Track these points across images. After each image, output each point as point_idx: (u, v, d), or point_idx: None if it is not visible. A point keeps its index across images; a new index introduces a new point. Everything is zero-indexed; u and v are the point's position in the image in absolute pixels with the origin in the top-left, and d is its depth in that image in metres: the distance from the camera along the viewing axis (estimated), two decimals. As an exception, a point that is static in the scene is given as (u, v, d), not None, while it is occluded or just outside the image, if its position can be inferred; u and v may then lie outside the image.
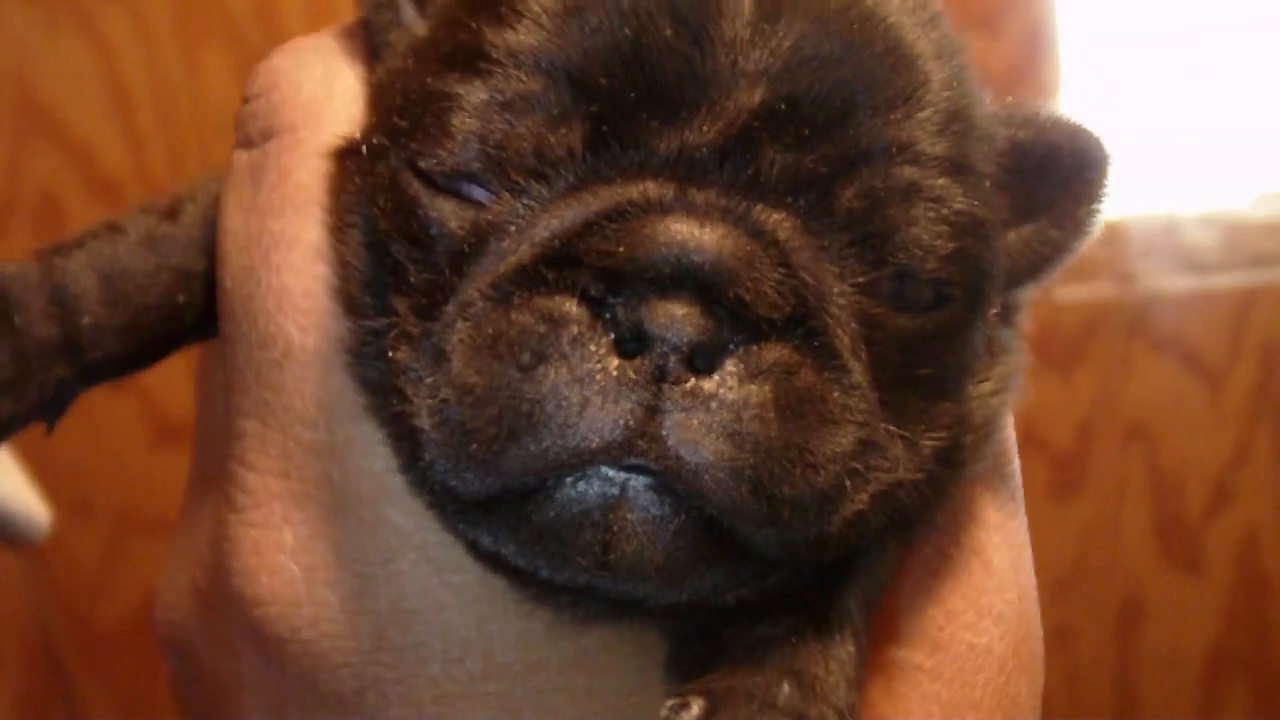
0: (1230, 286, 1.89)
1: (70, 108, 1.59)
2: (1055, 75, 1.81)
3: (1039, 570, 1.92)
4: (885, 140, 0.48)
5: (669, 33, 0.46)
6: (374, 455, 0.52)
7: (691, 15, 0.46)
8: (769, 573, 0.48)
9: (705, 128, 0.46)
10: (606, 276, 0.44)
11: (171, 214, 0.62)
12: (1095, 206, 0.56)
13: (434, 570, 0.52)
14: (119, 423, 1.74)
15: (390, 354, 0.49)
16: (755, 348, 0.45)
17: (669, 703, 0.47)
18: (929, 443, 0.51)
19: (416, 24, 0.54)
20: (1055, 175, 0.56)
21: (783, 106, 0.46)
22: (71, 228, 1.60)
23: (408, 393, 0.48)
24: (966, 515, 0.59)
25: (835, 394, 0.46)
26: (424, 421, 0.47)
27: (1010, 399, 0.58)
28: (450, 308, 0.47)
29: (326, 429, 0.53)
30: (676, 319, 0.43)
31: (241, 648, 0.55)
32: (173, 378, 1.82)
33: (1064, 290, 1.85)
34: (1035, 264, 0.57)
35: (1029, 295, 0.59)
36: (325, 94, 0.57)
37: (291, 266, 0.55)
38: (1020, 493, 0.63)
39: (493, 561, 0.51)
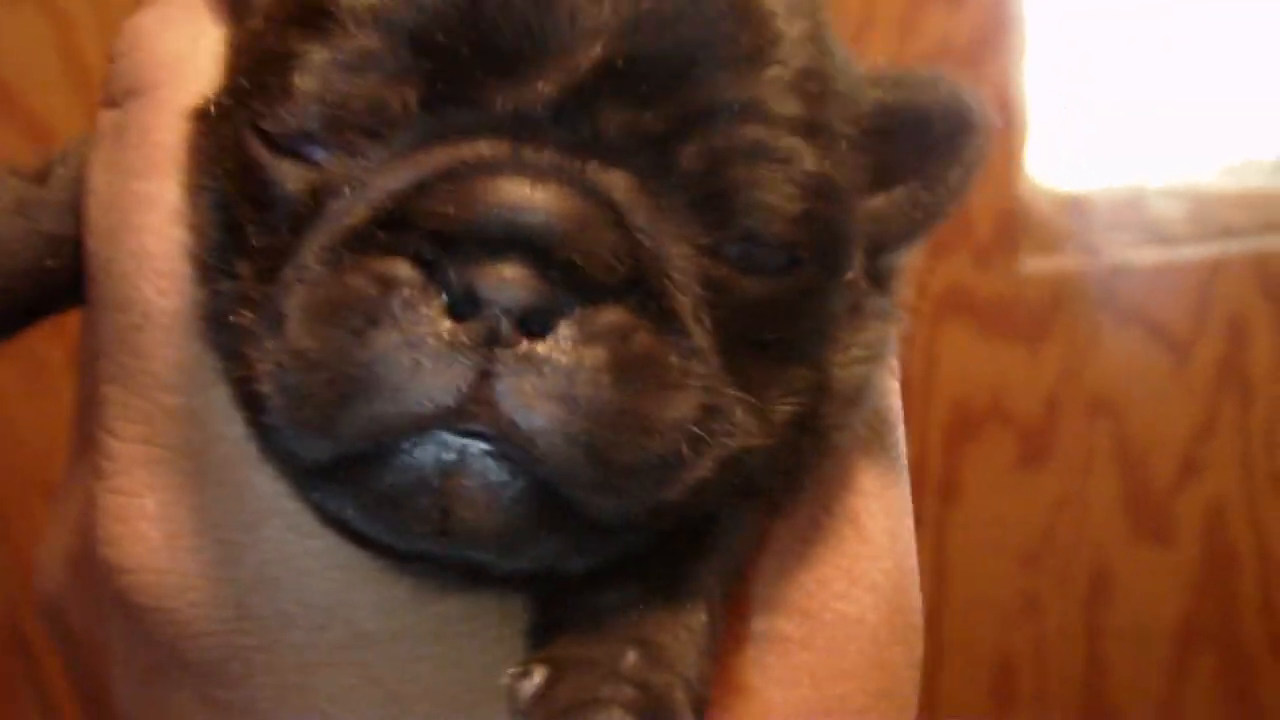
0: (1196, 258, 1.89)
1: (27, 82, 1.58)
2: (1020, 47, 1.81)
3: (1008, 541, 1.94)
4: (729, 98, 0.47)
5: None
6: (235, 420, 0.52)
7: None
8: (612, 540, 0.48)
9: (542, 85, 0.46)
10: (439, 238, 0.44)
11: (41, 177, 0.61)
12: (967, 170, 0.55)
13: (297, 537, 0.52)
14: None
15: (232, 319, 0.48)
16: (589, 311, 0.44)
17: (511, 671, 0.46)
18: (783, 408, 0.50)
19: None
20: (927, 138, 0.55)
21: (621, 64, 0.46)
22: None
23: (250, 357, 0.47)
24: (841, 483, 0.58)
25: (673, 358, 0.45)
26: (264, 386, 0.46)
27: (884, 366, 0.58)
28: (287, 271, 0.46)
29: (187, 394, 0.53)
30: (507, 281, 0.43)
31: (109, 616, 0.55)
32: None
33: (1030, 263, 1.86)
34: (906, 228, 0.56)
35: (902, 260, 0.59)
36: (189, 52, 0.56)
37: (151, 228, 0.54)
38: (903, 462, 0.62)
39: (339, 527, 0.51)
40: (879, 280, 0.56)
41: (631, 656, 0.47)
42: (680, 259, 0.46)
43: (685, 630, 0.50)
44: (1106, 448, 1.93)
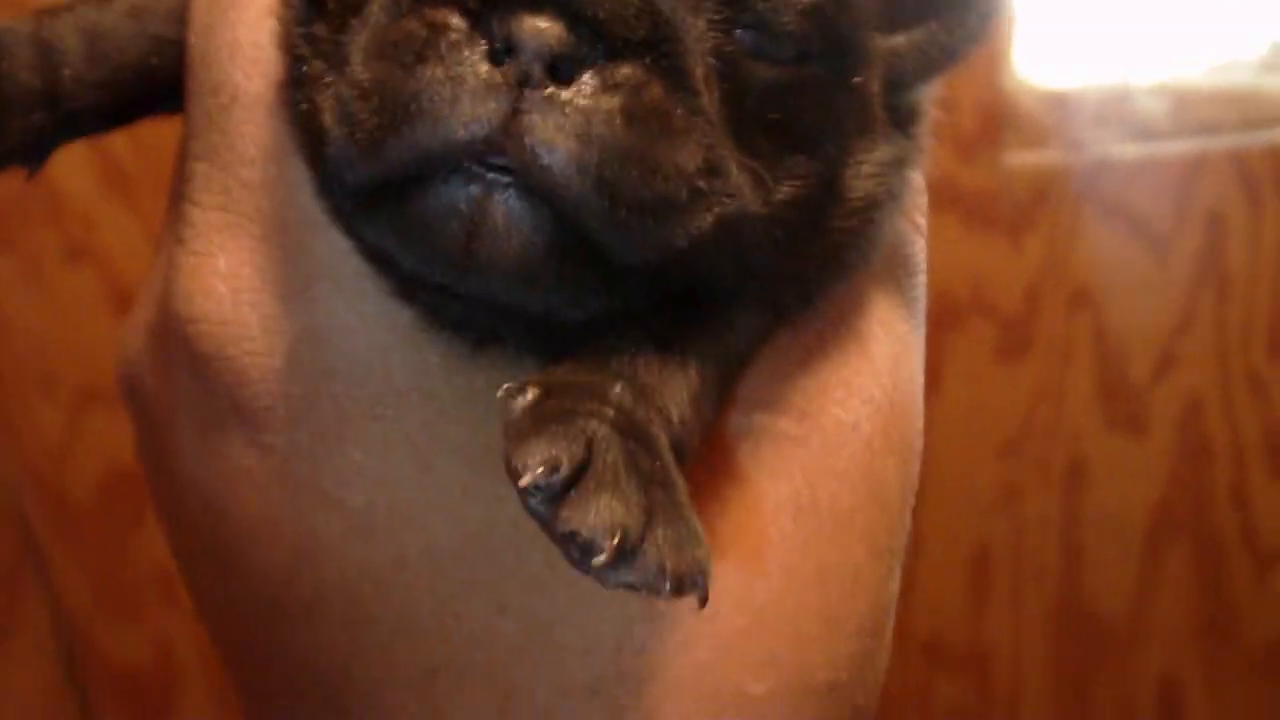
0: (1178, 154, 1.91)
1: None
2: None
3: (987, 431, 1.97)
4: None
5: None
6: (301, 189, 0.57)
7: None
8: (621, 285, 0.52)
9: None
10: None
11: None
12: (985, 14, 0.58)
13: (344, 298, 0.57)
14: (78, 294, 1.75)
15: (305, 68, 0.54)
16: (610, 64, 0.48)
17: (506, 387, 0.50)
18: (783, 187, 0.54)
19: None
20: None
21: None
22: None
23: (315, 96, 0.53)
24: (851, 303, 0.62)
25: (681, 111, 0.49)
26: (325, 117, 0.51)
27: (901, 208, 0.61)
28: (355, 21, 0.51)
29: (263, 166, 0.58)
30: (541, 31, 0.47)
31: (178, 370, 0.60)
32: (131, 247, 1.82)
33: (1014, 156, 1.87)
34: (924, 66, 0.59)
35: (921, 101, 0.62)
36: None
37: (244, 21, 0.60)
38: (920, 309, 0.66)
39: (389, 276, 0.56)
40: (897, 117, 0.60)
41: (619, 387, 0.51)
42: (696, 29, 0.51)
43: (673, 380, 0.54)
44: (1086, 340, 1.95)
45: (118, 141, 1.64)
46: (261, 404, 0.57)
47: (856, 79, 0.56)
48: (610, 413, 0.50)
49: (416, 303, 0.57)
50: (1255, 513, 2.04)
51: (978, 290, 1.90)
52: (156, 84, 0.67)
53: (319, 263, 0.57)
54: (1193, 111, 1.89)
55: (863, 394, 0.61)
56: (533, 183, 0.48)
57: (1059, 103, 1.87)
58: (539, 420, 0.48)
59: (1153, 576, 2.06)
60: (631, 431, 0.50)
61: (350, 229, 0.56)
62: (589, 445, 0.47)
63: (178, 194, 0.63)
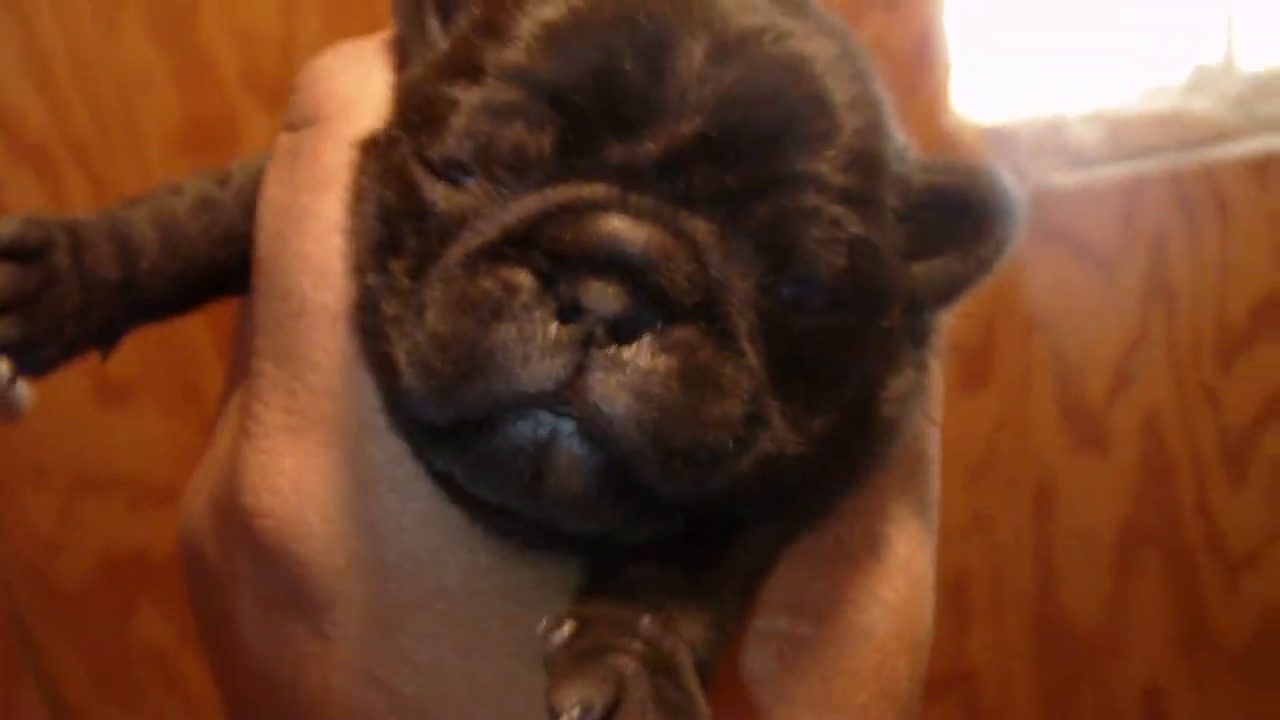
0: (1116, 179, 1.95)
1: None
2: None
3: (956, 461, 1.98)
4: (796, 170, 0.57)
5: (631, 65, 0.56)
6: (362, 399, 0.62)
7: (652, 54, 0.57)
8: (665, 516, 0.57)
9: (650, 146, 0.56)
10: (556, 257, 0.54)
11: (222, 181, 0.76)
12: (999, 247, 0.64)
13: (401, 500, 0.62)
14: (67, 386, 1.77)
15: (382, 305, 0.59)
16: (667, 327, 0.54)
17: (545, 621, 0.56)
18: (819, 423, 0.59)
19: (439, 40, 0.64)
20: (965, 217, 0.63)
21: (714, 135, 0.56)
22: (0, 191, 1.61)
23: (392, 337, 0.58)
24: (870, 509, 0.67)
25: (728, 370, 0.55)
26: (402, 361, 0.56)
27: (920, 410, 0.67)
28: (432, 272, 0.56)
29: (326, 374, 0.63)
30: (606, 296, 0.53)
31: (241, 552, 0.65)
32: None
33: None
34: (942, 293, 0.64)
35: (940, 321, 0.67)
36: (360, 92, 0.67)
37: (314, 235, 0.65)
38: (932, 500, 0.71)
39: (446, 484, 0.61)
40: (916, 336, 0.65)
41: (647, 620, 0.57)
42: (743, 292, 0.56)
43: (698, 608, 0.59)
44: (1042, 364, 1.99)
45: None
46: (321, 595, 0.62)
47: (884, 321, 0.61)
48: (639, 647, 0.55)
49: (468, 508, 0.61)
50: (1220, 520, 2.08)
51: (936, 323, 1.92)
52: (225, 274, 0.74)
53: (378, 467, 0.62)
54: (1127, 137, 1.94)
55: (877, 597, 0.66)
56: (593, 430, 0.53)
57: (998, 136, 1.91)
58: (574, 658, 0.54)
59: (1127, 589, 2.09)
60: (659, 664, 0.55)
61: (416, 450, 0.61)
62: (620, 684, 0.53)
63: (240, 375, 0.68)
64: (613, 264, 0.53)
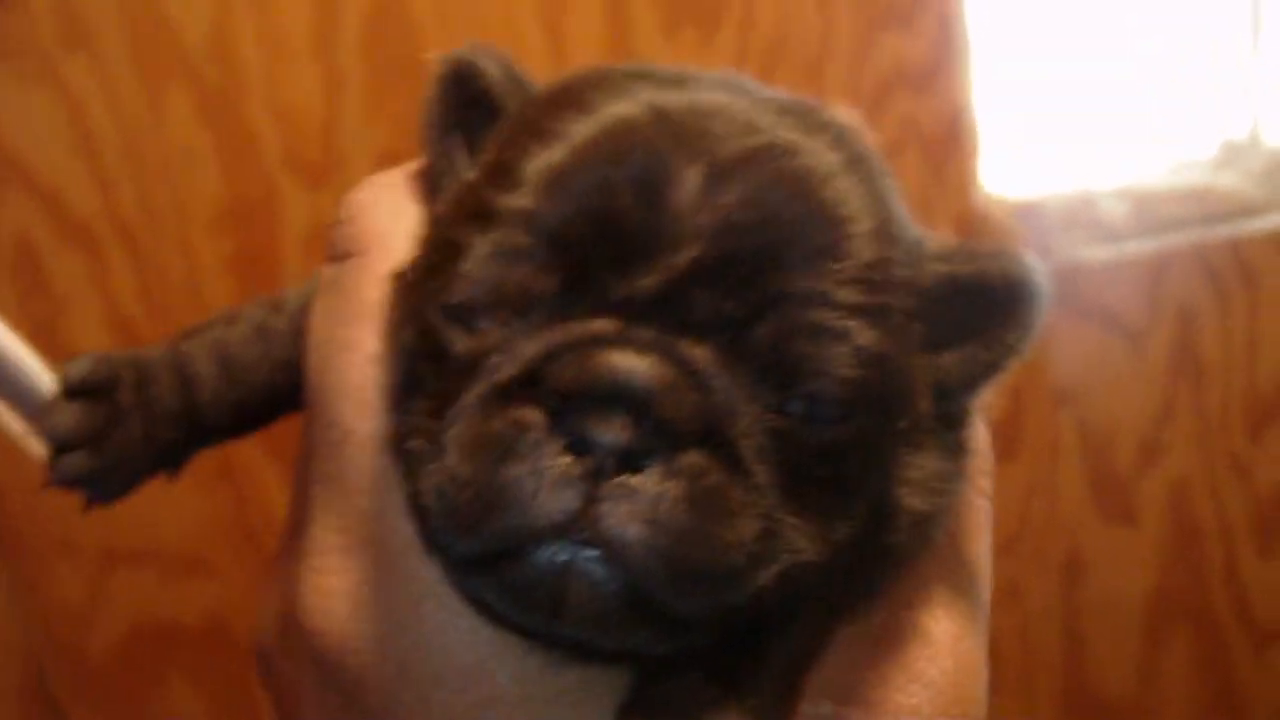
0: (1144, 253, 1.97)
1: (39, 156, 1.63)
2: (969, 67, 1.88)
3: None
4: (799, 288, 0.57)
5: (627, 201, 0.58)
6: (406, 518, 0.64)
7: (648, 188, 0.58)
8: (689, 632, 0.58)
9: (648, 277, 0.57)
10: (563, 394, 0.55)
11: (277, 306, 0.79)
12: (1024, 331, 0.64)
13: (450, 615, 0.63)
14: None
15: (408, 445, 0.61)
16: (674, 454, 0.55)
17: None
18: (840, 528, 0.60)
19: (466, 170, 0.66)
20: (989, 303, 0.63)
21: (710, 262, 0.57)
22: (46, 269, 1.62)
23: (418, 475, 0.60)
24: (914, 593, 0.68)
25: (738, 492, 0.56)
26: (428, 498, 0.58)
27: (955, 493, 0.66)
28: (451, 412, 0.58)
29: (372, 498, 0.65)
30: (611, 428, 0.54)
31: (305, 666, 0.67)
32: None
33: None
34: (969, 380, 0.65)
35: (971, 404, 0.67)
36: (393, 226, 0.69)
37: (354, 365, 0.67)
38: (980, 575, 0.71)
39: (482, 608, 0.62)
40: (949, 421, 0.66)
41: None
42: (748, 415, 0.57)
43: (734, 713, 0.60)
44: (1070, 436, 2.00)
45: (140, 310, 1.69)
46: (379, 705, 0.64)
47: (901, 423, 0.62)
48: None
49: (509, 627, 0.63)
50: (1249, 591, 2.09)
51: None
52: (281, 398, 0.77)
53: (425, 584, 0.63)
54: (1154, 212, 1.97)
55: (924, 679, 0.66)
56: (608, 558, 0.55)
57: (1027, 213, 1.93)
58: None
59: (1155, 659, 2.10)
60: None
61: (452, 579, 0.63)
62: None
63: (298, 502, 0.70)
64: (616, 397, 0.54)
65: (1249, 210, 1.97)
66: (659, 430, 0.55)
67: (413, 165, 0.72)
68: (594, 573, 0.55)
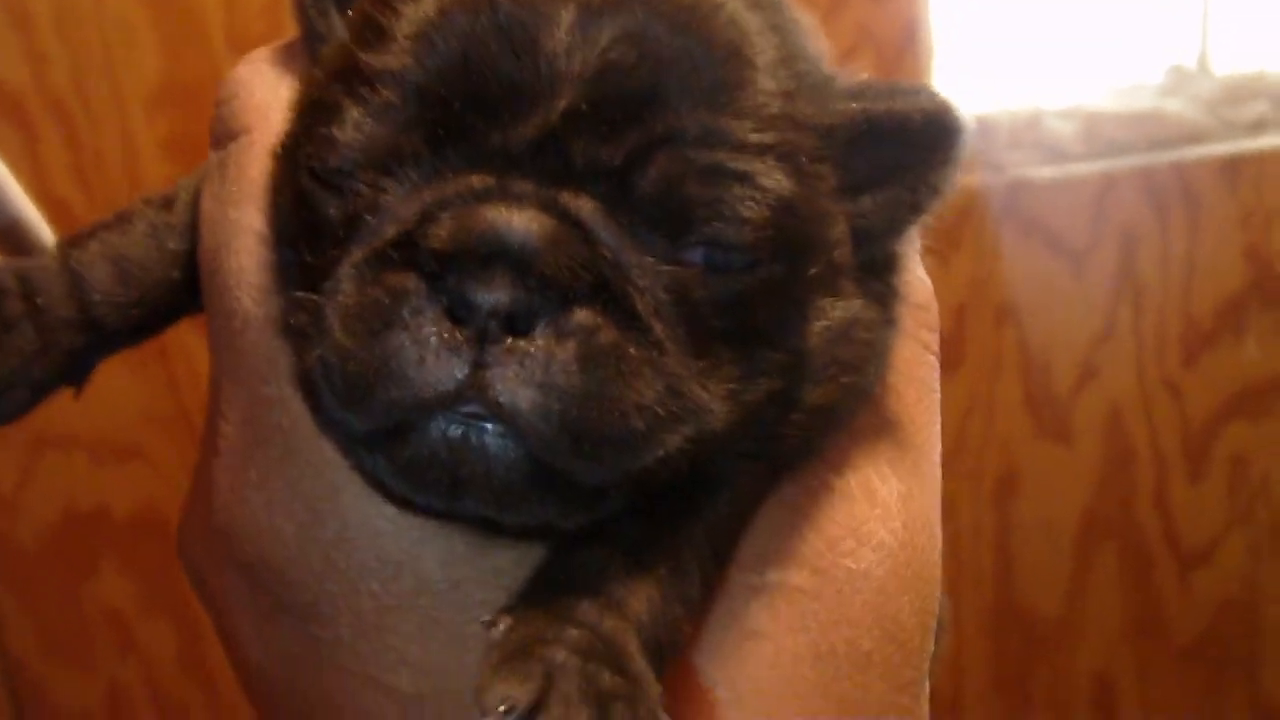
0: (1090, 174, 1.97)
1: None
2: None
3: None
4: (688, 128, 0.54)
5: (495, 49, 0.55)
6: None
7: (515, 34, 0.55)
8: (598, 502, 0.56)
9: (522, 128, 0.54)
10: (440, 256, 0.52)
11: (167, 204, 0.74)
12: (947, 169, 0.61)
13: (370, 503, 0.61)
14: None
15: (291, 322, 0.58)
16: (564, 313, 0.52)
17: (482, 620, 0.55)
18: (755, 385, 0.57)
19: (341, 34, 0.62)
20: (909, 141, 0.60)
21: (585, 107, 0.54)
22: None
23: (300, 351, 0.57)
24: (856, 452, 0.65)
25: (634, 350, 0.53)
26: (314, 375, 0.56)
27: (883, 338, 0.63)
28: (329, 284, 0.55)
29: (276, 384, 0.62)
30: (494, 290, 0.51)
31: (230, 572, 0.65)
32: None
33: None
34: (892, 224, 0.62)
35: (896, 249, 0.65)
36: (274, 100, 0.66)
37: (245, 249, 0.64)
38: (935, 425, 0.69)
39: (382, 489, 0.60)
40: (873, 267, 0.63)
41: (585, 605, 0.56)
42: (640, 267, 0.54)
43: (648, 584, 0.58)
44: (1011, 353, 2.01)
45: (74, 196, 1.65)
46: (305, 601, 0.62)
47: (814, 269, 0.58)
48: (574, 634, 0.54)
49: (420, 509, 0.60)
50: (1176, 516, 2.11)
51: (909, 309, 1.93)
52: (181, 294, 0.72)
53: (340, 472, 0.61)
54: (1102, 134, 1.96)
55: (872, 541, 0.64)
56: (502, 426, 0.52)
57: (978, 129, 1.91)
58: (505, 656, 0.53)
59: (1083, 578, 2.12)
60: (596, 651, 0.54)
61: (349, 461, 0.60)
62: (548, 676, 0.52)
63: (213, 402, 0.68)
64: (498, 255, 0.52)
65: (1195, 137, 1.97)
66: (544, 288, 0.52)
67: (291, 38, 0.69)
68: (490, 444, 0.53)
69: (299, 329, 0.57)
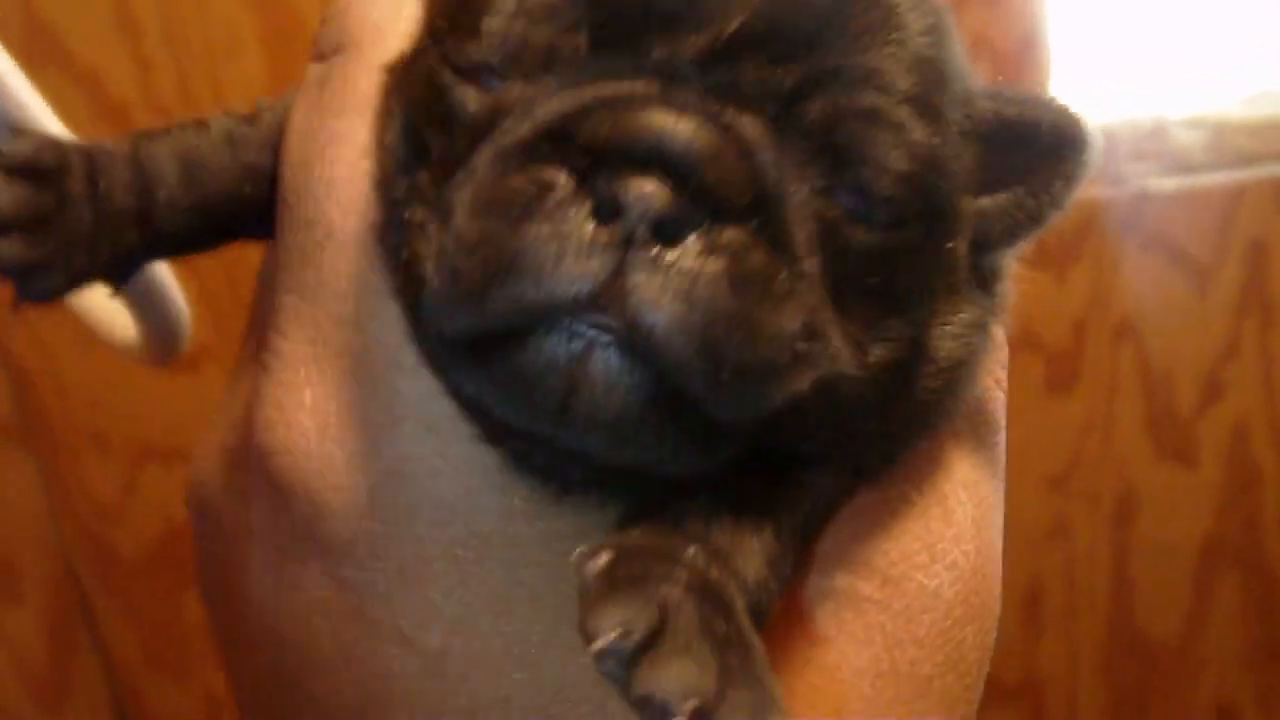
0: (1217, 185, 1.92)
1: (77, 33, 1.58)
2: None
3: (1038, 464, 1.98)
4: (853, 66, 0.52)
5: None
6: (391, 329, 0.58)
7: None
8: (715, 444, 0.52)
9: (692, 42, 0.51)
10: (593, 153, 0.49)
11: (251, 119, 0.69)
12: (1069, 182, 0.58)
13: (432, 439, 0.57)
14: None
15: (406, 214, 0.54)
16: (715, 228, 0.49)
17: (580, 550, 0.50)
18: (877, 349, 0.54)
19: None
20: (1035, 149, 0.58)
21: (760, 29, 0.51)
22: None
23: (416, 243, 0.53)
24: (934, 464, 0.63)
25: (783, 276, 0.50)
26: (426, 266, 0.51)
27: (984, 363, 0.61)
28: (460, 175, 0.52)
29: (354, 303, 0.59)
30: (647, 193, 0.48)
31: (254, 497, 0.61)
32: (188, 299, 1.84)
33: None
34: (1009, 230, 0.59)
35: (1006, 262, 0.62)
36: (392, 18, 0.62)
37: (342, 159, 0.60)
38: (1001, 464, 0.66)
39: (478, 419, 0.56)
40: (981, 278, 0.60)
41: (693, 551, 0.52)
42: (798, 195, 0.51)
43: (749, 543, 0.54)
44: (1131, 371, 1.95)
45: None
46: (342, 538, 0.58)
47: (949, 244, 0.57)
48: (684, 575, 0.50)
49: (504, 447, 0.57)
50: (1304, 539, 2.05)
51: (1026, 324, 1.88)
52: (247, 211, 0.68)
53: (407, 403, 0.57)
54: (1229, 144, 1.91)
55: (945, 559, 0.61)
56: (634, 342, 0.48)
57: (1100, 139, 1.87)
58: (613, 585, 0.48)
59: (1204, 605, 2.07)
60: (706, 594, 0.50)
61: (445, 374, 0.56)
62: (663, 609, 0.48)
63: (262, 321, 0.64)
64: (655, 159, 0.48)
65: (1327, 145, 1.91)
66: (700, 199, 0.48)
67: None
68: (613, 364, 0.48)
69: (412, 222, 0.53)
